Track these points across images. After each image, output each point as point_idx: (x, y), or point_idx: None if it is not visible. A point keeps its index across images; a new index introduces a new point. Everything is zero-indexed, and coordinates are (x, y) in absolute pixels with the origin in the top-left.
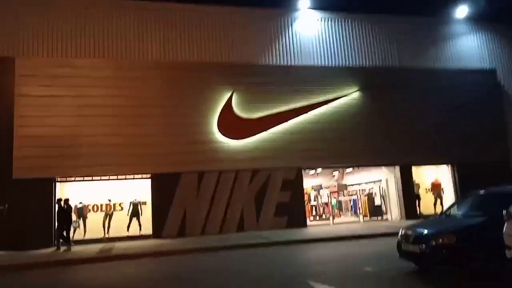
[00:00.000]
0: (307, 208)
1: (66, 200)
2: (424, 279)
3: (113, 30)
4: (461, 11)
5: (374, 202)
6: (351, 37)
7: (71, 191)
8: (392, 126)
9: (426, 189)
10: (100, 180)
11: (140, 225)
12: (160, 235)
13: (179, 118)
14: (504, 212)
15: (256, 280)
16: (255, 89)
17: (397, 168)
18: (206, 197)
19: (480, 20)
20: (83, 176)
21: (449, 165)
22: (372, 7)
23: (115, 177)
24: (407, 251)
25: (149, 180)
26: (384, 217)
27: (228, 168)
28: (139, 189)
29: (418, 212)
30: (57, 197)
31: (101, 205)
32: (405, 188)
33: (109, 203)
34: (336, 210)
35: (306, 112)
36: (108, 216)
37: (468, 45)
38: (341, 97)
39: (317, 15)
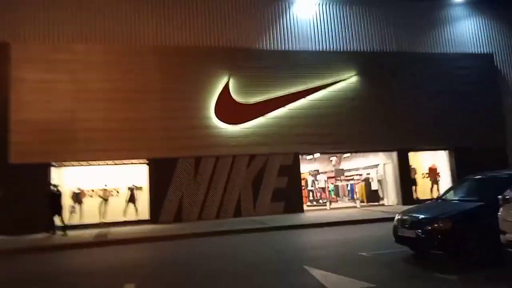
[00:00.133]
0: (304, 193)
1: (56, 185)
2: (419, 264)
3: (109, 14)
4: None
5: (371, 188)
6: (349, 21)
7: (68, 176)
8: (390, 111)
9: (423, 174)
10: (97, 165)
11: (136, 210)
12: (157, 220)
13: (176, 103)
14: (499, 197)
15: (252, 265)
16: (252, 73)
17: (395, 153)
18: (203, 182)
19: (478, 3)
20: (80, 161)
21: (446, 151)
22: None
23: (111, 162)
24: (403, 236)
25: (146, 165)
26: (381, 202)
27: (225, 153)
28: (136, 174)
29: (414, 197)
30: (52, 182)
31: (98, 190)
32: (402, 173)
33: (106, 188)
34: (333, 196)
35: (304, 97)
36: (105, 201)
37: (465, 29)
38: (339, 81)
39: None
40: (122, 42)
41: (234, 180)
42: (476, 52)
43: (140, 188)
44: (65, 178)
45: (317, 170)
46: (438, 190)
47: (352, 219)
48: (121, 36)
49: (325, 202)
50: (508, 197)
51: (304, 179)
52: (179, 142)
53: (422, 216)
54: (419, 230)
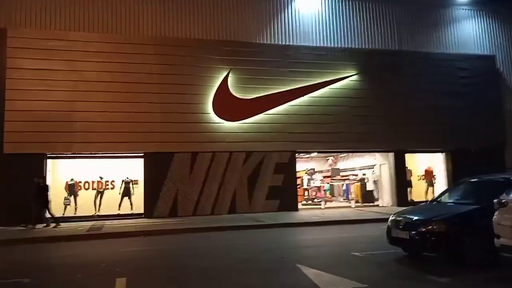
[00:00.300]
0: (300, 192)
1: (42, 177)
2: (412, 265)
3: (108, 3)
4: None
5: (366, 188)
6: (351, 18)
7: (63, 168)
8: (389, 111)
9: (418, 176)
10: (92, 157)
11: (131, 204)
12: (152, 215)
13: (174, 96)
14: (495, 201)
15: (245, 262)
16: (252, 68)
17: (391, 154)
18: (198, 177)
19: (481, 4)
20: (76, 153)
21: (443, 153)
22: None
23: (107, 154)
24: (396, 237)
25: (142, 159)
26: (376, 203)
27: (222, 149)
28: (132, 167)
29: (409, 199)
30: (47, 173)
31: (93, 182)
32: (398, 174)
33: (101, 180)
34: (328, 195)
35: (303, 94)
36: (100, 193)
37: (468, 30)
38: (339, 79)
39: None
40: (121, 31)
41: (229, 176)
42: (478, 53)
43: (135, 182)
44: (60, 169)
45: (313, 169)
46: (433, 192)
47: (346, 219)
48: (119, 25)
49: (320, 201)
50: (503, 201)
51: (300, 177)
52: (176, 137)
53: (416, 218)
54: (413, 232)
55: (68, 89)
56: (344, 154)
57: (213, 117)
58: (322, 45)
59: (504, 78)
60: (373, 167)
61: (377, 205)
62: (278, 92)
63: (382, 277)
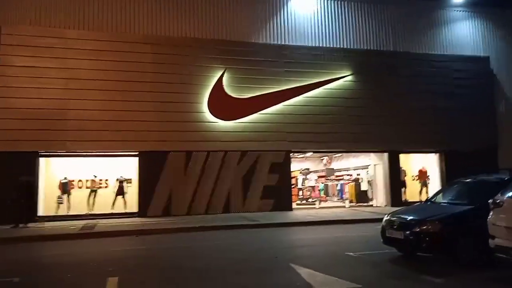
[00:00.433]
0: (294, 191)
1: (28, 176)
2: (407, 265)
3: (103, 1)
4: None
5: (360, 188)
6: (347, 19)
7: (56, 166)
8: (383, 112)
9: (412, 177)
10: (86, 155)
11: (125, 202)
12: (146, 214)
13: (169, 95)
14: (490, 201)
15: (238, 261)
16: (247, 68)
17: (385, 154)
18: (193, 176)
19: (476, 6)
20: (69, 152)
21: (437, 153)
22: None
23: (100, 153)
24: (391, 237)
25: (136, 158)
26: (370, 203)
27: (217, 148)
28: (125, 166)
29: (403, 199)
30: (40, 172)
31: (86, 181)
32: (392, 175)
33: (95, 179)
34: (323, 195)
35: (299, 94)
36: (93, 192)
37: (462, 31)
38: (334, 79)
39: None
40: (115, 30)
41: (224, 175)
42: (472, 54)
43: (129, 181)
44: (53, 168)
45: (308, 169)
46: (427, 192)
47: (341, 219)
48: (113, 23)
49: (315, 201)
50: (498, 201)
51: (294, 177)
52: (170, 135)
53: (411, 218)
54: (407, 232)
55: (61, 87)
56: (339, 154)
57: (208, 116)
58: (317, 45)
59: (497, 79)
60: (367, 167)
61: (371, 205)
62: (273, 92)
63: (376, 277)
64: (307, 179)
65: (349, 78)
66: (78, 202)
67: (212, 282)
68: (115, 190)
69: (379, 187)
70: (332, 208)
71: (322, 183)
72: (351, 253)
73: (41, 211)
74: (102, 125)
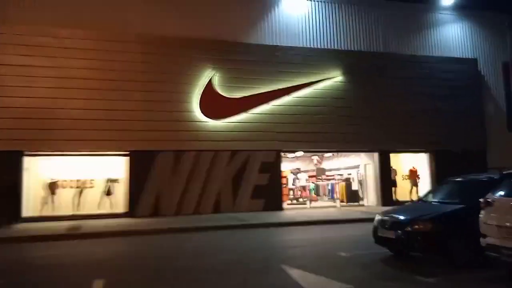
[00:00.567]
0: (285, 191)
1: (10, 175)
2: (398, 265)
3: (95, 0)
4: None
5: (351, 188)
6: (338, 20)
7: (41, 166)
8: (373, 112)
9: (403, 176)
10: (72, 155)
11: (112, 203)
12: (134, 214)
13: (159, 94)
14: (481, 200)
15: (228, 263)
16: (238, 68)
17: (376, 154)
18: (182, 176)
19: (464, 9)
20: (56, 151)
21: (428, 153)
22: None
23: (88, 152)
24: (382, 237)
25: (124, 157)
26: (361, 202)
27: (207, 148)
28: (113, 166)
29: (394, 198)
30: (24, 171)
31: (71, 181)
32: (382, 174)
33: (81, 179)
34: (313, 194)
35: (288, 94)
36: (80, 192)
37: (451, 33)
38: (324, 80)
39: None
40: (105, 29)
41: (214, 175)
42: (461, 56)
43: (116, 181)
44: (39, 167)
45: (299, 169)
46: (417, 192)
47: (332, 219)
48: (106, 23)
49: (305, 201)
50: (489, 200)
51: (285, 177)
52: (159, 135)
53: (402, 217)
54: (399, 231)
55: (50, 85)
56: (330, 154)
57: (198, 115)
58: (308, 46)
59: (485, 80)
60: (358, 167)
61: (362, 205)
62: (264, 92)
63: (368, 277)
64: (298, 178)
65: (340, 78)
66: (64, 202)
67: (200, 284)
68: (105, 190)
69: (370, 186)
70: (323, 208)
71: (313, 182)
72: (343, 253)
73: (24, 212)
74: (91, 124)
